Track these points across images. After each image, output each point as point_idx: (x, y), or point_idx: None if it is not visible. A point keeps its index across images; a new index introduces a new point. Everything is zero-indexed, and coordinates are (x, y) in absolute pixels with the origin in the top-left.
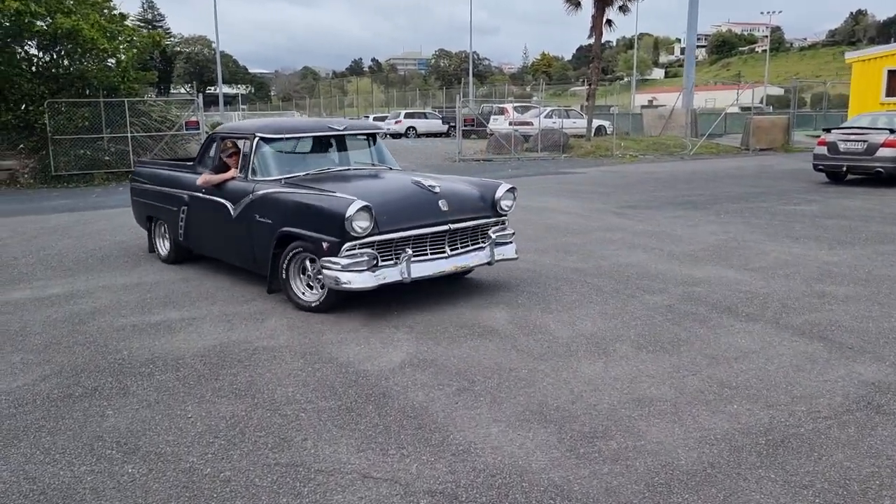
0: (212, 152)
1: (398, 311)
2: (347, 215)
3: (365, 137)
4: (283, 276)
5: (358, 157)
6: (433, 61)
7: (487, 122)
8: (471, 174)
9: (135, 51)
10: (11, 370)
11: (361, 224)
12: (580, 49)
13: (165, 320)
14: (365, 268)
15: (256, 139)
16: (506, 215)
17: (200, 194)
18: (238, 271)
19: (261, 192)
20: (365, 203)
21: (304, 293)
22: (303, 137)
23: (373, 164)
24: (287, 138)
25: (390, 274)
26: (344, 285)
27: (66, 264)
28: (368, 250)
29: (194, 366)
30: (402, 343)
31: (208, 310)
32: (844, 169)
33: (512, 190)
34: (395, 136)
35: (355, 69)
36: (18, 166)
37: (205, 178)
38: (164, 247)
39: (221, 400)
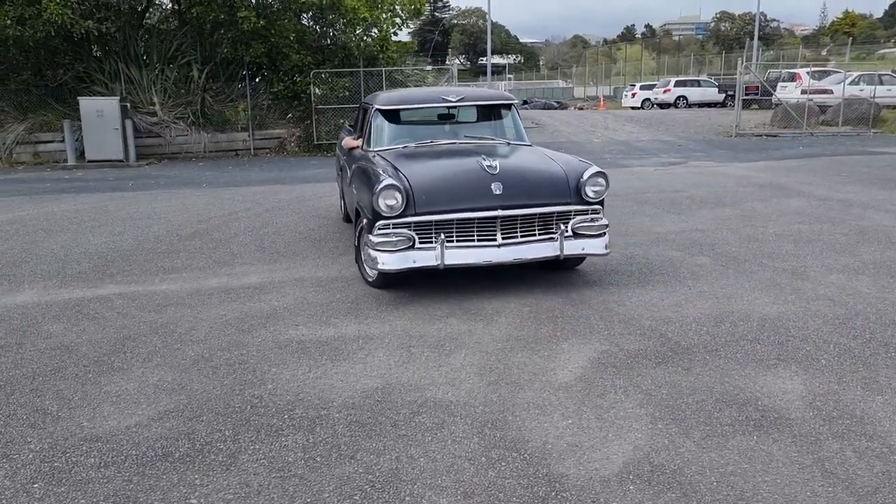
0: (361, 117)
1: (634, 357)
2: (375, 192)
3: (489, 108)
4: (357, 248)
5: (478, 129)
6: (712, 25)
7: (774, 91)
8: (746, 152)
9: (397, 20)
10: (138, 397)
11: (388, 202)
12: (894, 5)
13: (338, 337)
14: (398, 248)
15: (373, 108)
16: (594, 203)
17: (344, 159)
18: (440, 276)
19: (360, 161)
20: (391, 182)
21: (368, 269)
22: (414, 108)
23: (489, 139)
24: (398, 109)
25: (423, 258)
26: (379, 266)
27: (279, 246)
28: (404, 231)
29: (335, 427)
30: (632, 424)
31: (392, 325)
32: None
33: (600, 175)
34: (663, 105)
35: (626, 36)
36: (286, 134)
37: (345, 141)
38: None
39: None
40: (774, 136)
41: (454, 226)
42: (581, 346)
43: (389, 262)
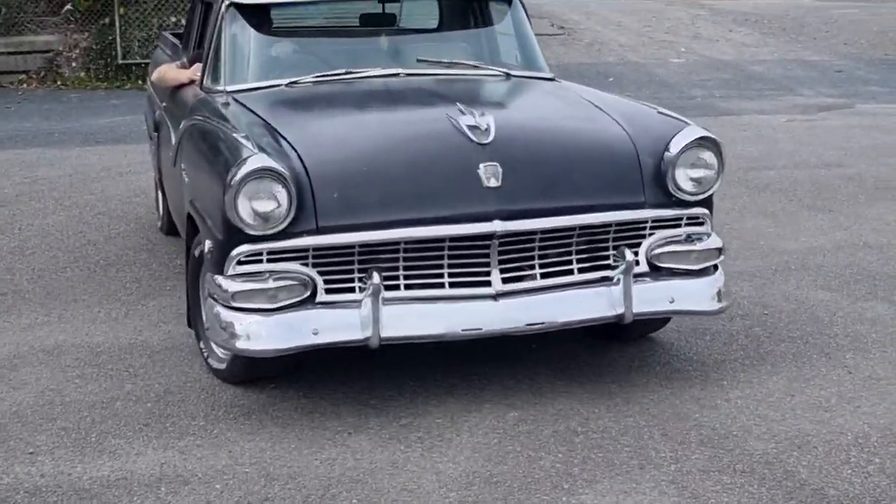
0: (199, 23)
1: None
2: (229, 184)
3: (464, 6)
4: (193, 295)
5: (444, 46)
6: None
7: None
8: None
9: None
10: None
11: (260, 207)
12: None
13: (118, 481)
14: (279, 304)
15: (223, 3)
16: (694, 205)
17: (163, 107)
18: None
19: (196, 115)
20: (264, 163)
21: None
22: (309, 1)
23: (467, 64)
24: (275, 2)
25: (334, 323)
26: (238, 344)
27: (20, 279)
28: (295, 267)
29: None
30: None
31: (237, 454)
32: None
33: (708, 144)
34: None
35: None
36: (62, 45)
37: (165, 71)
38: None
39: None
40: None
41: (401, 254)
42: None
43: (262, 334)
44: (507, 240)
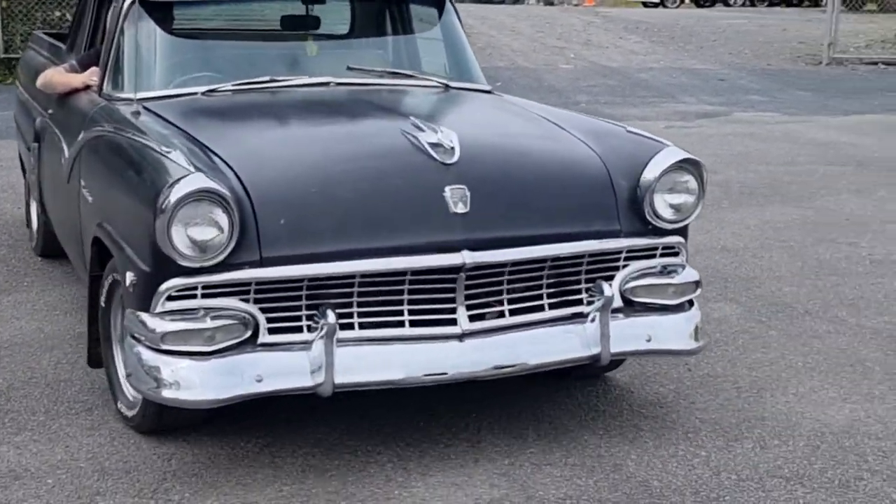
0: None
1: None
2: (161, 207)
3: (397, 5)
4: (104, 333)
5: (375, 54)
6: None
7: None
8: (843, 97)
9: None
10: None
11: (200, 235)
12: None
13: None
14: (217, 346)
15: (126, 4)
16: (671, 233)
17: (46, 115)
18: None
19: (99, 126)
20: (205, 183)
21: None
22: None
23: (404, 74)
24: (195, 1)
25: (280, 367)
26: (165, 392)
27: None
28: (233, 304)
29: None
30: None
31: None
32: None
33: (689, 167)
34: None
35: None
36: None
37: (44, 77)
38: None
39: None
40: None
41: (356, 289)
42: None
43: (196, 381)
44: (474, 273)
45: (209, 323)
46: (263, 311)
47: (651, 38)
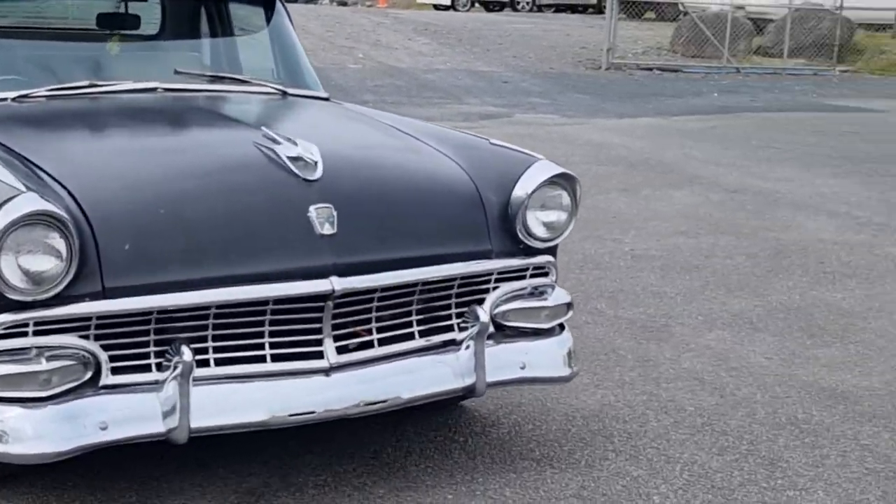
0: None
1: None
2: None
3: (217, 10)
4: None
5: (196, 57)
6: None
7: None
8: (619, 100)
9: None
10: None
11: (34, 266)
12: None
13: None
14: (52, 390)
15: None
16: (542, 252)
17: None
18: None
19: None
20: (42, 206)
21: None
22: None
23: (234, 78)
24: None
25: (129, 413)
26: None
27: None
28: (71, 341)
29: None
30: None
31: None
32: None
33: (563, 182)
34: (494, 4)
35: None
36: None
37: None
38: None
39: None
40: (675, 70)
41: (210, 321)
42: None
43: (30, 432)
44: (342, 300)
45: (44, 364)
46: (105, 348)
47: (439, 40)
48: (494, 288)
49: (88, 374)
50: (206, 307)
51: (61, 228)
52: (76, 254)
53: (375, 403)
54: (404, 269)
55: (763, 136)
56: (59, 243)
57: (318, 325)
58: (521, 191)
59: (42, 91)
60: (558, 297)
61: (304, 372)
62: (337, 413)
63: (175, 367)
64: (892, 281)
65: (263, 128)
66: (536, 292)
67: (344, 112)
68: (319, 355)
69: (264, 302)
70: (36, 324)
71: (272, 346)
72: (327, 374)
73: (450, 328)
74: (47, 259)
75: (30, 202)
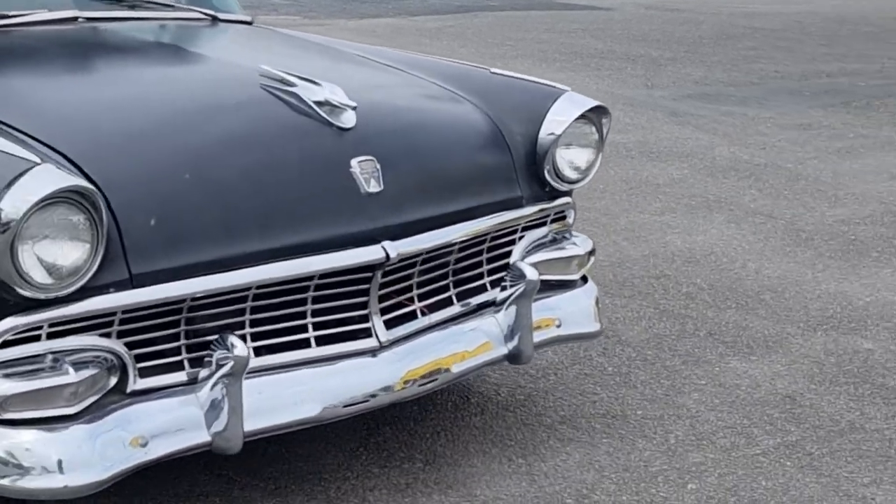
0: None
1: None
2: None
3: None
4: None
5: None
6: None
7: None
8: (357, 3)
9: None
10: None
11: (58, 257)
12: None
13: None
14: (79, 406)
15: None
16: (564, 194)
17: None
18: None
19: None
20: (68, 181)
21: None
22: None
23: (150, 2)
24: None
25: (171, 422)
26: (14, 480)
27: None
28: (93, 342)
29: None
30: None
31: None
32: None
33: (593, 114)
34: None
35: None
36: None
37: None
38: None
39: None
40: None
41: (249, 304)
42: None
43: (57, 460)
44: (396, 268)
45: (69, 374)
46: (130, 346)
47: None
48: (520, 238)
49: (114, 381)
50: (246, 288)
51: (87, 207)
52: (103, 237)
53: (428, 382)
54: (448, 227)
55: (498, 35)
56: (84, 225)
57: (364, 299)
58: (549, 129)
59: None
60: (584, 243)
61: (352, 354)
62: (393, 398)
63: (221, 363)
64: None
65: (261, 64)
66: (559, 239)
67: (295, 41)
68: (367, 333)
69: (309, 277)
70: (51, 325)
71: (315, 326)
72: (374, 355)
73: (482, 288)
74: (72, 246)
75: (52, 177)
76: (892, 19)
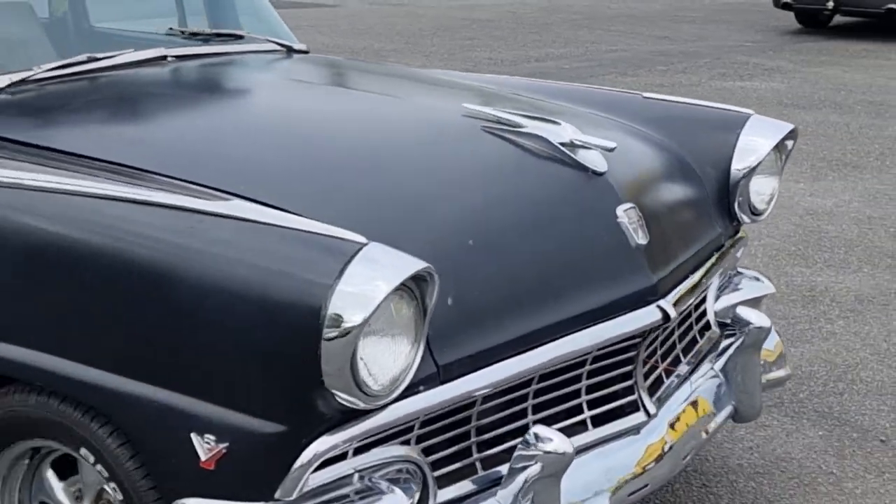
0: None
1: None
2: (331, 316)
3: None
4: None
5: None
6: None
7: None
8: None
9: None
10: None
11: (392, 357)
12: None
13: None
14: None
15: None
16: (740, 231)
17: None
18: None
19: None
20: (415, 265)
21: None
22: None
23: (233, 32)
24: None
25: None
26: None
27: None
28: (395, 452)
29: None
30: None
31: None
32: (831, 5)
33: (782, 138)
34: None
35: None
36: None
37: None
38: None
39: None
40: None
41: (532, 389)
42: None
43: None
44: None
45: (398, 495)
46: (426, 452)
47: None
48: (715, 274)
49: (418, 495)
50: (537, 370)
51: (417, 296)
52: (425, 330)
53: (688, 454)
54: (695, 273)
55: None
56: (410, 317)
57: (630, 368)
58: (741, 158)
59: (42, 72)
60: (763, 279)
61: (623, 433)
62: (665, 476)
63: (527, 460)
64: None
65: (464, 104)
66: (735, 275)
67: (404, 70)
68: (635, 406)
69: (587, 351)
70: (359, 441)
71: (588, 405)
72: (637, 432)
73: (694, 340)
74: (400, 343)
75: (392, 259)
76: (598, 7)
